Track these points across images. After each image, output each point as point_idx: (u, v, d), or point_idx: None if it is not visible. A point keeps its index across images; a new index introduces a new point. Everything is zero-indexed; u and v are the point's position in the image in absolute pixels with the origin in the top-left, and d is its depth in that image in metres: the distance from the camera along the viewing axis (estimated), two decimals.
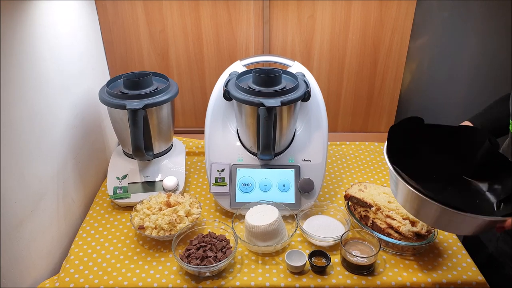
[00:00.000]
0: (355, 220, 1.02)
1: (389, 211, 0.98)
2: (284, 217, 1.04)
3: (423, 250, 0.97)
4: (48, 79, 0.95)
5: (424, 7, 1.30)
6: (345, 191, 1.07)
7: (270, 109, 0.94)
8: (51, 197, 0.96)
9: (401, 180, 0.76)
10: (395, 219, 0.96)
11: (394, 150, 0.83)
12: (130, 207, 1.10)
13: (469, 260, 0.95)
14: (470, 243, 1.04)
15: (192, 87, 1.41)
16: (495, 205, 0.82)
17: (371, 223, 0.99)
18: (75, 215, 1.09)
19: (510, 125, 0.89)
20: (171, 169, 1.15)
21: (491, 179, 0.85)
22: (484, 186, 0.86)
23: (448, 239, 1.01)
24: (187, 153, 1.33)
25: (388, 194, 1.04)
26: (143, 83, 1.05)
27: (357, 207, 1.05)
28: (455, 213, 0.71)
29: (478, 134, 0.86)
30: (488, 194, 0.85)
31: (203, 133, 1.11)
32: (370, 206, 1.00)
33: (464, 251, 0.98)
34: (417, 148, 0.89)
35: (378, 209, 0.99)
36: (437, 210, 0.73)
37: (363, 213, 1.02)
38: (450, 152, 0.90)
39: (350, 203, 1.07)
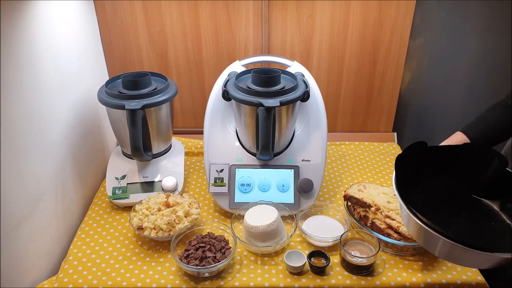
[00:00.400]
0: (354, 221, 1.01)
1: (388, 211, 0.98)
2: (283, 217, 1.03)
3: (422, 250, 0.96)
4: (47, 79, 0.95)
5: (423, 7, 1.30)
6: (345, 191, 1.06)
7: (269, 109, 0.94)
8: (50, 197, 0.96)
9: (412, 216, 0.74)
10: (395, 219, 0.96)
11: (402, 181, 0.82)
12: (129, 208, 1.10)
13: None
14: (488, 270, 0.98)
15: (191, 87, 1.41)
16: None
17: (370, 223, 0.99)
18: (74, 215, 1.09)
19: None
20: (170, 170, 1.15)
21: (503, 198, 0.83)
22: (496, 205, 0.84)
23: None
24: (186, 153, 1.33)
25: (388, 194, 1.04)
26: (142, 83, 1.05)
27: (356, 207, 1.04)
28: (467, 249, 0.68)
29: (484, 152, 0.85)
30: (502, 213, 0.83)
31: (202, 133, 1.11)
32: (369, 206, 1.00)
33: None
34: (425, 173, 0.88)
35: (378, 209, 0.99)
36: (449, 245, 0.70)
37: (362, 213, 1.02)
38: (458, 173, 0.88)
39: (349, 204, 1.06)
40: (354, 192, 1.05)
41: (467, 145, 0.90)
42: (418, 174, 0.88)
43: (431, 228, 0.71)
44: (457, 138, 0.96)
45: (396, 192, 0.80)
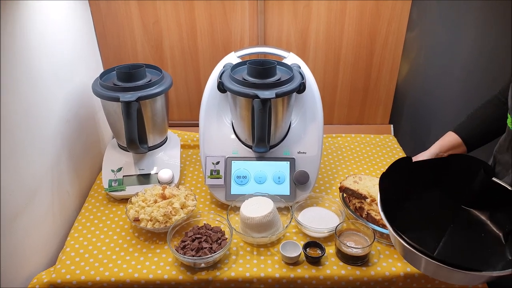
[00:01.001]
0: (350, 212, 1.02)
1: None
2: (279, 209, 1.04)
3: None
4: (41, 72, 0.94)
5: None
6: (340, 183, 1.07)
7: (264, 101, 0.94)
8: (46, 190, 0.96)
9: (397, 237, 0.73)
10: None
11: (388, 199, 0.81)
12: (125, 200, 1.10)
13: None
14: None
15: (186, 79, 1.40)
16: (502, 237, 0.78)
17: (365, 214, 1.00)
18: (70, 208, 1.09)
19: (509, 120, 0.86)
20: (166, 162, 1.15)
21: (492, 208, 0.83)
22: (485, 216, 0.83)
23: None
24: (182, 146, 1.33)
25: None
26: (137, 75, 1.05)
27: (352, 199, 1.05)
28: (454, 270, 0.68)
29: (471, 162, 0.85)
30: (490, 224, 0.82)
31: (198, 126, 1.11)
32: (365, 197, 1.01)
33: None
34: (412, 189, 0.87)
35: (373, 200, 1.00)
36: (435, 266, 0.69)
37: (357, 205, 1.03)
38: (445, 185, 0.88)
39: (345, 195, 1.07)
40: (349, 183, 1.05)
41: (452, 156, 0.89)
42: (404, 191, 0.86)
43: (416, 250, 0.70)
44: (449, 138, 0.96)
45: (381, 212, 0.79)
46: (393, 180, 0.84)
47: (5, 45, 0.80)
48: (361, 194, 1.02)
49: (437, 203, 0.87)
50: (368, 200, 1.00)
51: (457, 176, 0.87)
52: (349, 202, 1.06)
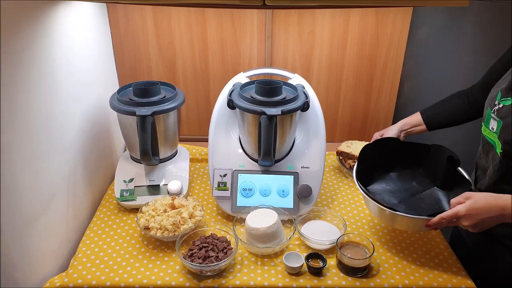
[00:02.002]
0: (346, 170, 1.30)
1: None
2: (283, 222, 1.08)
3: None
4: (62, 86, 1.01)
5: (418, 26, 1.37)
6: (336, 148, 1.33)
7: (271, 118, 1.00)
8: (62, 197, 1.02)
9: (360, 189, 1.01)
10: None
11: (366, 169, 1.07)
12: (135, 210, 1.15)
13: (459, 265, 1.00)
14: (453, 239, 1.15)
15: (197, 97, 1.48)
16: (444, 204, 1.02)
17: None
18: (83, 215, 1.14)
19: (482, 128, 0.96)
20: (175, 174, 1.21)
21: (451, 190, 1.02)
22: (445, 195, 1.04)
23: (440, 245, 1.06)
24: (191, 160, 1.38)
25: None
26: (152, 91, 1.12)
27: (347, 160, 1.32)
28: (393, 213, 0.93)
29: (444, 151, 1.04)
30: (445, 202, 1.03)
31: (207, 141, 1.16)
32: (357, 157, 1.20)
33: (455, 257, 1.02)
34: (394, 164, 1.12)
35: None
36: (382, 211, 0.96)
37: (352, 164, 1.30)
38: (423, 166, 1.10)
39: (341, 157, 1.34)
40: (343, 148, 1.33)
41: (433, 146, 1.08)
42: (387, 164, 1.11)
43: (373, 200, 0.96)
44: (414, 118, 1.18)
45: (354, 177, 1.04)
46: (375, 154, 1.09)
47: (35, 59, 0.88)
48: (354, 155, 1.30)
49: (410, 178, 1.10)
50: None
51: (432, 161, 1.07)
52: (345, 162, 1.32)
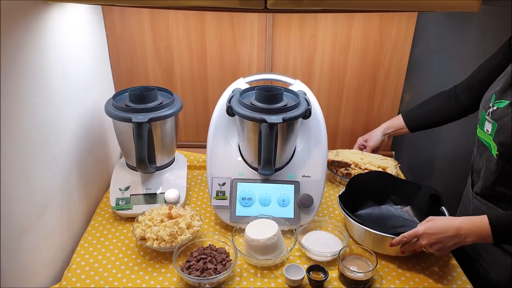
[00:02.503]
0: (340, 178, 1.29)
1: (365, 165, 1.27)
2: (283, 232, 1.05)
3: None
4: (56, 91, 0.98)
5: (422, 31, 1.34)
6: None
7: (272, 125, 0.97)
8: (55, 206, 0.98)
9: (345, 214, 1.04)
10: (372, 168, 1.26)
11: (355, 193, 1.13)
12: (131, 219, 1.11)
13: (464, 278, 0.97)
14: None
15: (195, 102, 1.45)
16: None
17: (352, 176, 1.20)
18: (78, 225, 1.11)
19: (478, 130, 0.97)
20: (172, 182, 1.18)
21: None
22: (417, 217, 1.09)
23: (444, 257, 1.03)
24: (189, 167, 1.35)
25: (358, 153, 1.33)
26: (149, 97, 1.09)
27: (338, 169, 1.31)
28: (363, 228, 0.99)
29: (432, 192, 1.06)
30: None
31: (204, 147, 1.13)
32: (349, 164, 1.28)
33: (459, 269, 1.00)
34: (385, 197, 1.16)
35: (356, 165, 1.28)
36: (355, 227, 1.02)
37: (344, 172, 1.29)
38: (411, 204, 1.13)
39: (331, 167, 1.32)
40: (333, 157, 1.31)
41: (420, 185, 1.11)
42: (374, 197, 1.15)
43: (353, 219, 1.02)
44: (396, 121, 1.24)
45: (338, 202, 1.08)
46: (367, 183, 1.14)
47: (26, 62, 0.84)
48: (346, 163, 1.29)
49: (397, 214, 1.13)
50: (352, 166, 1.28)
51: (421, 200, 1.09)
52: (337, 171, 1.31)
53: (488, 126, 0.91)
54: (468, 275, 0.98)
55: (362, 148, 1.36)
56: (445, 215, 1.02)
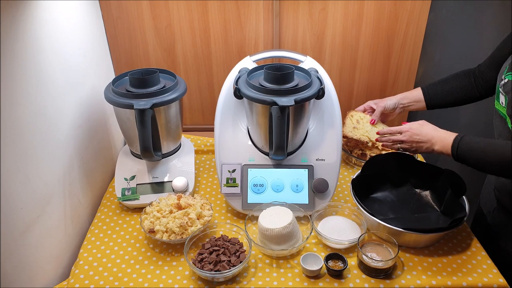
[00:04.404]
0: (355, 159, 1.22)
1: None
2: (298, 218, 1.00)
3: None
4: (52, 77, 0.91)
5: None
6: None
7: (283, 108, 0.90)
8: (58, 200, 0.94)
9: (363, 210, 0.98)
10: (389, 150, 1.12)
11: (372, 176, 1.06)
12: (139, 209, 1.07)
13: (489, 261, 0.92)
14: (475, 216, 1.13)
15: (199, 84, 1.38)
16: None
17: (369, 157, 1.14)
18: (83, 217, 1.06)
19: (495, 102, 0.93)
20: (180, 169, 1.12)
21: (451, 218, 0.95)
22: (445, 221, 0.96)
23: (467, 240, 0.98)
24: (196, 152, 1.29)
25: (379, 124, 1.20)
26: (150, 81, 1.02)
27: (353, 149, 1.23)
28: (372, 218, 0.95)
29: (455, 178, 1.00)
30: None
31: (211, 130, 1.08)
32: (366, 143, 1.17)
33: (484, 252, 0.95)
34: (404, 180, 1.09)
35: (373, 144, 1.16)
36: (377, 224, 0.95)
37: (359, 152, 1.22)
38: (432, 188, 1.06)
39: (347, 146, 1.24)
40: (350, 131, 1.18)
41: (442, 170, 1.04)
42: (392, 179, 1.09)
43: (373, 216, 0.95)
44: (415, 93, 1.14)
45: (351, 188, 1.03)
46: (386, 164, 1.07)
47: (16, 50, 0.77)
48: (363, 142, 1.17)
49: (415, 198, 1.06)
50: (369, 144, 1.17)
51: (442, 185, 1.01)
52: (352, 152, 1.23)
53: (502, 99, 0.89)
54: (487, 246, 0.97)
55: (369, 110, 1.23)
56: (465, 207, 0.97)
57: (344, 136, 1.18)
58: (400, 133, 1.01)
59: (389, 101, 1.16)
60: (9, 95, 0.75)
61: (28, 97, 0.81)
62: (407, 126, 1.00)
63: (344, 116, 1.22)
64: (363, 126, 1.18)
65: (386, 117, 1.21)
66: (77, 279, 0.89)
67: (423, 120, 0.99)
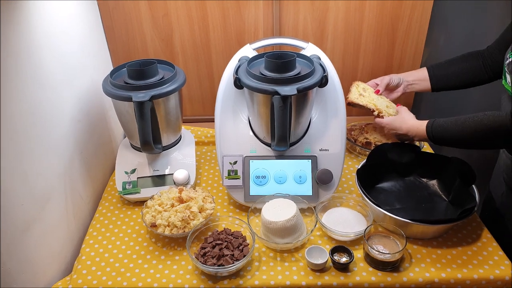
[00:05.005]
0: (360, 148, 1.20)
1: (388, 116, 1.08)
2: (302, 210, 0.99)
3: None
4: (48, 70, 0.89)
5: None
6: (346, 97, 1.10)
7: (285, 98, 0.87)
8: (59, 196, 0.92)
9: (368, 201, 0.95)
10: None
11: (378, 165, 1.04)
12: (140, 203, 1.06)
13: (501, 253, 0.90)
14: (485, 200, 1.10)
15: (198, 73, 1.34)
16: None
17: (374, 146, 1.14)
18: (84, 212, 1.05)
19: (503, 81, 0.91)
20: (181, 161, 1.10)
21: (460, 208, 0.92)
22: (454, 211, 0.94)
23: (477, 230, 0.96)
24: (197, 143, 1.27)
25: (384, 98, 1.14)
26: (149, 72, 0.99)
27: (357, 138, 1.21)
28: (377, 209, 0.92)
29: (464, 166, 0.97)
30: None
31: (212, 121, 1.05)
32: (373, 111, 1.09)
33: (495, 243, 0.93)
34: (410, 170, 1.06)
35: (380, 113, 1.09)
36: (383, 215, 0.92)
37: (364, 141, 1.20)
38: (439, 178, 1.04)
39: (351, 138, 1.23)
40: (356, 97, 1.11)
41: (449, 158, 1.02)
42: (399, 169, 1.06)
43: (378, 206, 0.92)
44: (420, 72, 1.11)
45: (356, 178, 1.00)
46: (392, 154, 1.06)
47: (10, 43, 0.75)
48: (369, 109, 1.09)
49: (422, 188, 1.04)
50: (375, 113, 1.09)
51: (449, 174, 1.00)
52: (356, 141, 1.21)
53: (508, 78, 0.88)
54: (496, 229, 0.96)
55: (374, 86, 1.18)
56: (474, 196, 0.95)
57: (350, 103, 1.11)
58: (381, 127, 1.08)
59: (394, 76, 1.13)
60: (4, 91, 0.72)
61: (24, 92, 0.79)
62: (385, 121, 1.05)
63: (349, 85, 1.18)
64: (369, 95, 1.13)
65: (390, 93, 1.17)
66: (79, 274, 0.88)
67: (402, 110, 1.04)
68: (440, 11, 1.26)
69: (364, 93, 1.12)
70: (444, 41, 1.32)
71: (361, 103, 1.10)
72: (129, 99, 0.94)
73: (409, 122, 1.00)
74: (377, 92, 1.14)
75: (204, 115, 1.42)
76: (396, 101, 1.16)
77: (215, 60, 1.31)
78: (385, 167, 1.05)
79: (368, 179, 1.01)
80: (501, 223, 1.02)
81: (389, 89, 1.16)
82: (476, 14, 1.23)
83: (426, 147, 1.24)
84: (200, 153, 1.28)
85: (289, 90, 0.87)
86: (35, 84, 0.84)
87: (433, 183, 1.05)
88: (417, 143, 1.16)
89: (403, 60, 1.33)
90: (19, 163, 0.78)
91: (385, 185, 1.05)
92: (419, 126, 0.96)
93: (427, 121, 0.95)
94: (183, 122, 1.19)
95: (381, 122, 1.06)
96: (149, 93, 0.95)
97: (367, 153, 1.09)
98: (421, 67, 1.35)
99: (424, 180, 1.06)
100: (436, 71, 1.09)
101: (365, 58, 1.32)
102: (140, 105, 0.93)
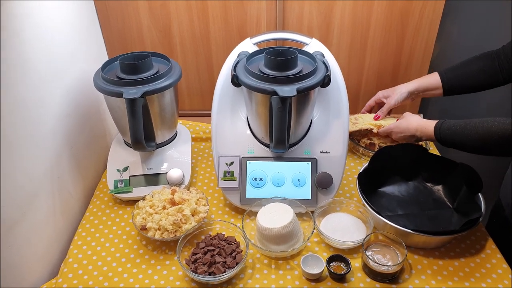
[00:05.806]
0: (363, 149, 1.14)
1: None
2: (299, 215, 0.94)
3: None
4: (35, 61, 0.84)
5: None
6: None
7: (284, 99, 0.82)
8: (46, 194, 0.89)
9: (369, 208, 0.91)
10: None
11: (381, 168, 0.99)
12: (132, 202, 1.02)
13: (505, 265, 0.86)
14: (493, 209, 1.06)
15: (197, 66, 1.29)
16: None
17: (378, 147, 1.10)
18: (74, 210, 1.02)
19: None
20: (176, 159, 1.06)
21: (465, 216, 0.90)
22: (458, 220, 0.92)
23: (481, 241, 0.91)
24: (194, 139, 1.23)
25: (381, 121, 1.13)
26: (142, 66, 0.94)
27: (360, 139, 1.16)
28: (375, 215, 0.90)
29: (471, 173, 0.92)
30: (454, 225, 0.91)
31: (211, 116, 1.00)
32: (371, 129, 1.10)
33: (499, 255, 0.88)
34: (415, 173, 1.03)
35: (379, 127, 1.09)
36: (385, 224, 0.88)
37: (367, 142, 1.15)
38: (445, 183, 1.00)
39: (354, 138, 1.16)
40: (350, 127, 1.09)
41: (456, 163, 0.96)
42: (403, 172, 1.03)
43: (378, 214, 0.89)
44: (431, 79, 1.05)
45: (357, 181, 0.96)
46: (396, 156, 1.00)
47: None
48: (367, 129, 1.10)
49: (427, 193, 1.00)
50: (374, 130, 1.10)
51: (456, 180, 0.95)
52: (359, 142, 1.16)
53: None
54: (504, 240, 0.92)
55: (379, 103, 1.14)
56: (480, 206, 0.90)
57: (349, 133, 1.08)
58: (391, 132, 1.05)
59: (401, 93, 1.07)
60: None
61: (5, 87, 0.75)
62: (391, 126, 1.03)
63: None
64: (363, 120, 1.13)
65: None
66: (65, 278, 0.85)
67: (407, 113, 1.02)
68: (453, 7, 1.19)
69: (356, 121, 1.13)
70: (456, 36, 1.26)
71: (356, 129, 1.11)
72: (120, 95, 0.89)
73: (416, 122, 0.97)
74: (376, 118, 1.12)
75: (203, 109, 1.37)
76: (402, 108, 1.13)
77: (215, 52, 1.26)
78: (388, 170, 1.01)
79: (370, 183, 0.97)
80: (509, 232, 0.97)
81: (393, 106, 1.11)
82: (492, 7, 1.16)
83: (433, 149, 1.19)
84: (198, 150, 1.23)
85: (288, 90, 0.82)
86: (19, 78, 0.79)
87: (438, 188, 1.00)
88: (423, 144, 1.11)
89: (412, 57, 1.27)
90: (3, 160, 0.74)
91: (387, 189, 1.01)
92: (427, 125, 0.94)
93: (436, 121, 0.92)
94: (181, 116, 1.14)
95: (388, 128, 1.05)
96: (141, 89, 0.90)
97: (371, 154, 1.04)
98: (430, 64, 1.29)
99: (429, 185, 1.01)
100: (448, 74, 1.03)
101: (372, 55, 1.26)
102: (131, 102, 0.88)
